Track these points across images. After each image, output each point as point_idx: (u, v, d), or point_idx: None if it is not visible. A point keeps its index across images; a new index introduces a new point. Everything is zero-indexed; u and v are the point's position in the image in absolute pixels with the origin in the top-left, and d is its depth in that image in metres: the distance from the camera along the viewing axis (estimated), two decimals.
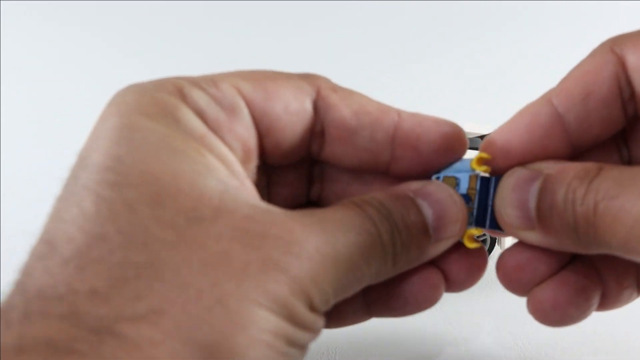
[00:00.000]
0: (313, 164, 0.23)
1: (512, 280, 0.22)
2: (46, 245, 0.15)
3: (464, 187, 0.21)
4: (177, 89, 0.18)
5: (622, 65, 0.19)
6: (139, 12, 0.85)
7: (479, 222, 0.21)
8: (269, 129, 0.20)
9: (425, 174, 0.22)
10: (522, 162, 0.21)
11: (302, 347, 0.17)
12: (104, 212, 0.15)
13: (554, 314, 0.22)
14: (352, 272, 0.18)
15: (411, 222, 0.19)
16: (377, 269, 0.19)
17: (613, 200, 0.17)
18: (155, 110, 0.17)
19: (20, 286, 0.15)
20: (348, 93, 0.21)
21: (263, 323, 0.15)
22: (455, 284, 0.22)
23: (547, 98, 0.20)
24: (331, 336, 0.36)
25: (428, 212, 0.20)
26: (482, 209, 0.21)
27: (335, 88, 0.21)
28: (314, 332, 0.17)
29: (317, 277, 0.16)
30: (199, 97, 0.18)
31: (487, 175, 0.21)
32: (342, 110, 0.21)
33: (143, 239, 0.15)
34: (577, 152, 0.21)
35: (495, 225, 0.21)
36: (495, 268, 0.23)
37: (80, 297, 0.14)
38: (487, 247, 0.44)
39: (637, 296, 0.24)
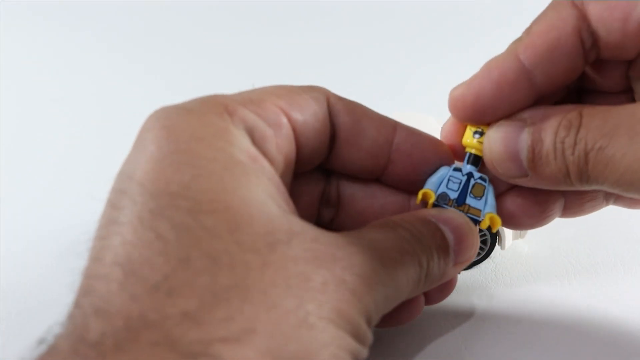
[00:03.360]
0: (328, 185, 0.24)
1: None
2: (120, 269, 0.16)
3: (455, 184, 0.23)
4: (225, 109, 0.19)
5: (583, 17, 0.20)
6: (138, 12, 0.85)
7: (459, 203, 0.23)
8: (307, 140, 0.21)
9: (416, 181, 0.24)
10: (491, 118, 0.22)
11: None
12: (184, 237, 0.16)
13: (518, 218, 0.24)
14: (397, 290, 0.19)
15: (439, 245, 0.21)
16: (413, 286, 0.20)
17: (602, 151, 0.18)
18: (209, 133, 0.18)
19: (102, 313, 0.15)
20: (350, 101, 0.23)
21: (339, 341, 0.16)
22: (430, 301, 0.25)
23: (513, 54, 0.22)
24: None
25: (450, 237, 0.21)
26: (462, 195, 0.23)
27: (340, 97, 0.23)
28: (367, 346, 0.18)
29: (375, 296, 0.18)
30: (247, 116, 0.19)
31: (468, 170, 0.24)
32: (350, 116, 0.22)
33: (229, 263, 0.16)
34: (540, 99, 0.22)
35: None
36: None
37: (173, 322, 0.15)
38: (487, 248, 0.45)
39: (606, 205, 0.26)
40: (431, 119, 0.42)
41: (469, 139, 0.23)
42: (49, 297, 0.41)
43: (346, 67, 0.75)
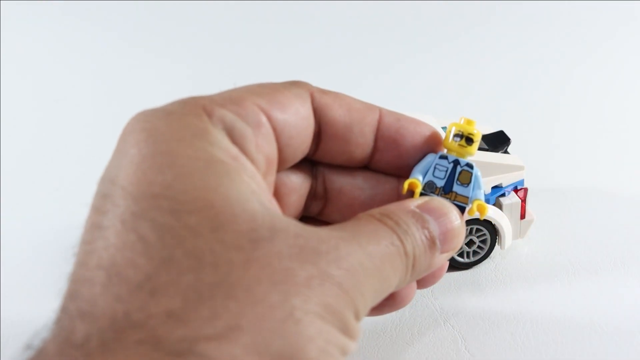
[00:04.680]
0: (315, 179, 0.24)
1: None
2: (104, 272, 0.16)
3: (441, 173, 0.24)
4: (204, 110, 0.19)
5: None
6: (139, 12, 0.85)
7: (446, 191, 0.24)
8: (289, 139, 0.21)
9: (403, 166, 0.24)
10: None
11: (348, 355, 0.18)
12: (167, 237, 0.16)
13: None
14: (384, 282, 0.19)
15: (425, 236, 0.21)
16: (400, 278, 0.20)
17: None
18: (188, 134, 0.18)
19: (88, 315, 0.15)
20: (335, 94, 0.23)
21: (327, 335, 0.16)
22: (422, 285, 0.24)
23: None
24: None
25: (435, 227, 0.21)
26: (449, 183, 0.23)
27: (324, 91, 0.23)
28: (356, 340, 0.18)
29: (362, 288, 0.18)
30: (225, 116, 0.19)
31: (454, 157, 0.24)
32: (336, 110, 0.22)
33: (212, 261, 0.16)
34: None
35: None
36: None
37: (157, 321, 0.15)
38: (486, 248, 0.44)
39: None
40: (430, 117, 0.42)
41: (450, 141, 0.23)
42: (46, 301, 0.40)
43: (345, 67, 0.75)
